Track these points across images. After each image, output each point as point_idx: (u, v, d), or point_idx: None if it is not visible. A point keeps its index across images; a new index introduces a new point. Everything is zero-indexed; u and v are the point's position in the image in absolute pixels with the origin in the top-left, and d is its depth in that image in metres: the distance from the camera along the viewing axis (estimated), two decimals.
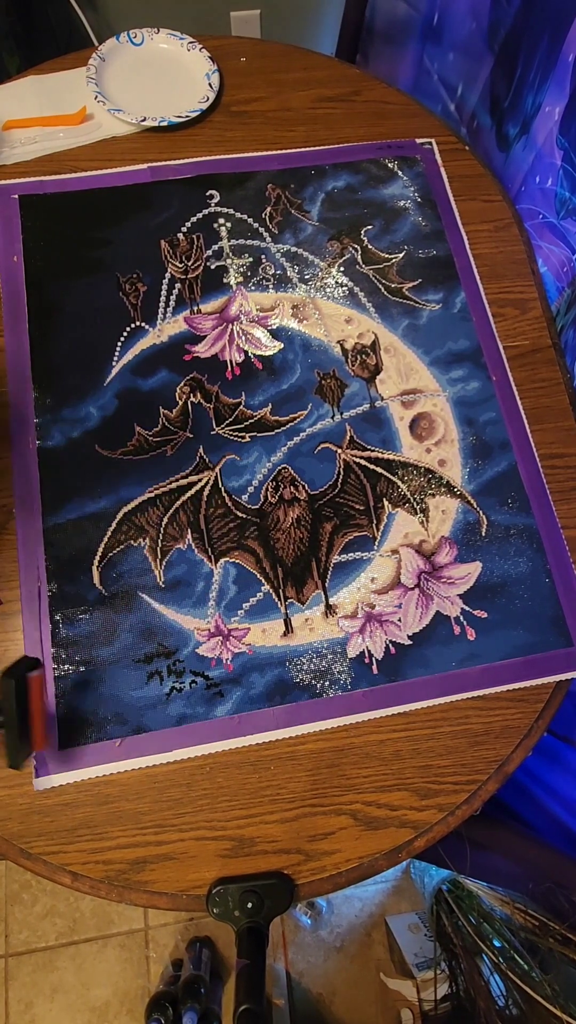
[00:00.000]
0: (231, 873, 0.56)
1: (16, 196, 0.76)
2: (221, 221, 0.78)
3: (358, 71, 0.89)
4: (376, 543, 0.66)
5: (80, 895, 1.24)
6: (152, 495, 0.66)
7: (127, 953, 1.22)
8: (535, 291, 0.77)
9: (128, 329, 0.72)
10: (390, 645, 0.63)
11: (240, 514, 0.66)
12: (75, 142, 0.80)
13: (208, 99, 0.82)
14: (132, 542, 0.65)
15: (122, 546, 0.64)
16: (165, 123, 0.80)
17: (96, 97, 0.79)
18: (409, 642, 0.63)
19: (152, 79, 0.84)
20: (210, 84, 0.83)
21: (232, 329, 0.73)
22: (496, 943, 1.04)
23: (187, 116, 0.81)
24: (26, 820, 0.56)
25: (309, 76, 0.87)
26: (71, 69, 0.83)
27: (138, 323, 0.73)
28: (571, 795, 0.84)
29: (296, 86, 0.86)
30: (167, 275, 0.75)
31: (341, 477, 0.68)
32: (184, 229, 0.77)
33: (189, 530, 0.65)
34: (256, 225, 0.78)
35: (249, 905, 0.52)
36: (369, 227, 0.79)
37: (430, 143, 0.83)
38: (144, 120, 0.79)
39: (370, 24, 1.19)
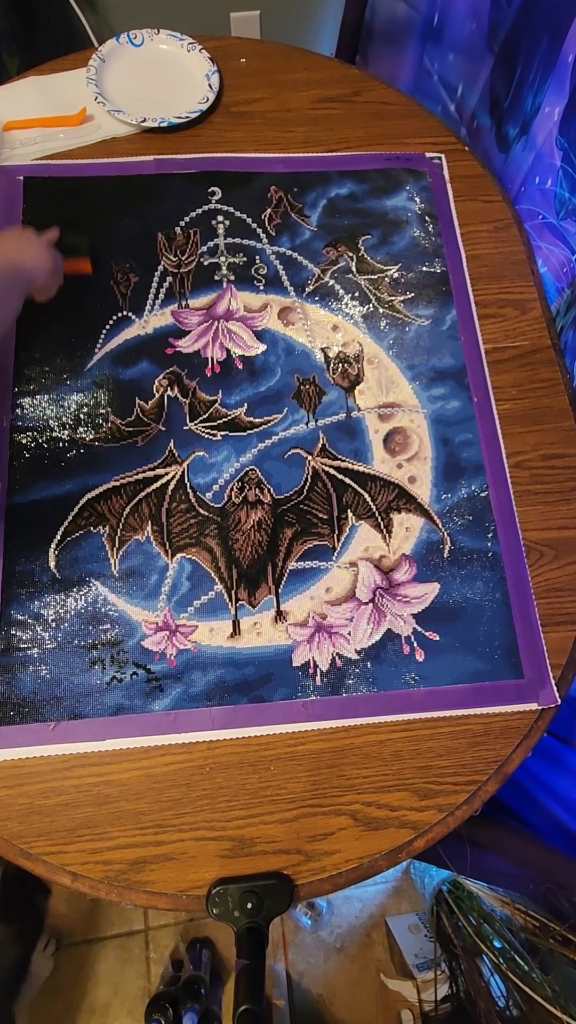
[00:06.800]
0: (231, 873, 0.56)
1: (21, 177, 0.77)
2: (220, 218, 0.78)
3: (358, 72, 0.89)
4: (335, 554, 0.66)
5: (80, 896, 1.24)
6: (117, 484, 0.66)
7: (127, 954, 1.22)
8: (535, 291, 0.77)
9: (115, 318, 0.73)
10: (336, 658, 0.63)
11: (202, 511, 0.66)
12: (75, 143, 0.80)
13: (208, 100, 0.82)
14: (92, 528, 0.65)
15: (81, 531, 0.64)
16: (165, 124, 0.80)
17: (96, 98, 0.79)
18: (356, 656, 0.63)
19: (152, 80, 0.84)
20: (210, 85, 0.83)
21: (217, 326, 0.73)
22: (496, 944, 1.04)
23: (187, 117, 0.81)
24: (26, 820, 0.56)
25: (309, 77, 0.87)
26: (71, 70, 0.83)
27: (125, 312, 0.73)
28: (571, 796, 0.84)
29: (296, 87, 0.86)
30: (160, 268, 0.75)
31: (308, 484, 0.68)
32: (182, 224, 0.77)
33: (150, 522, 0.65)
34: (254, 225, 0.78)
35: (249, 905, 0.52)
36: (367, 237, 0.79)
37: (439, 158, 0.83)
38: (144, 121, 0.79)
39: (370, 25, 1.19)
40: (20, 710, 0.59)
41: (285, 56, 0.88)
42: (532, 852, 0.88)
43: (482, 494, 0.69)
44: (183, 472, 0.68)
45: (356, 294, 0.76)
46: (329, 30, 1.33)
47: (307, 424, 0.71)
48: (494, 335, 0.75)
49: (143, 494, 0.66)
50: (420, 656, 0.63)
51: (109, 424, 0.68)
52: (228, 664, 0.62)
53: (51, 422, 0.68)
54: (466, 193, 0.82)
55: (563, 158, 0.73)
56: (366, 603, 0.65)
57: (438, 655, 0.63)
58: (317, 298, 0.76)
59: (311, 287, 0.76)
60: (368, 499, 0.68)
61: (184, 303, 0.74)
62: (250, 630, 0.63)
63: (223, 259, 0.76)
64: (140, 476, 0.67)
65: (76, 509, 0.65)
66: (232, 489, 0.67)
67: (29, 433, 0.67)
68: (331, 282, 0.77)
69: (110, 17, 1.22)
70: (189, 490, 0.67)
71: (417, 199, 0.81)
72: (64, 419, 0.68)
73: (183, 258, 0.76)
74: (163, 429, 0.69)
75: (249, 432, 0.70)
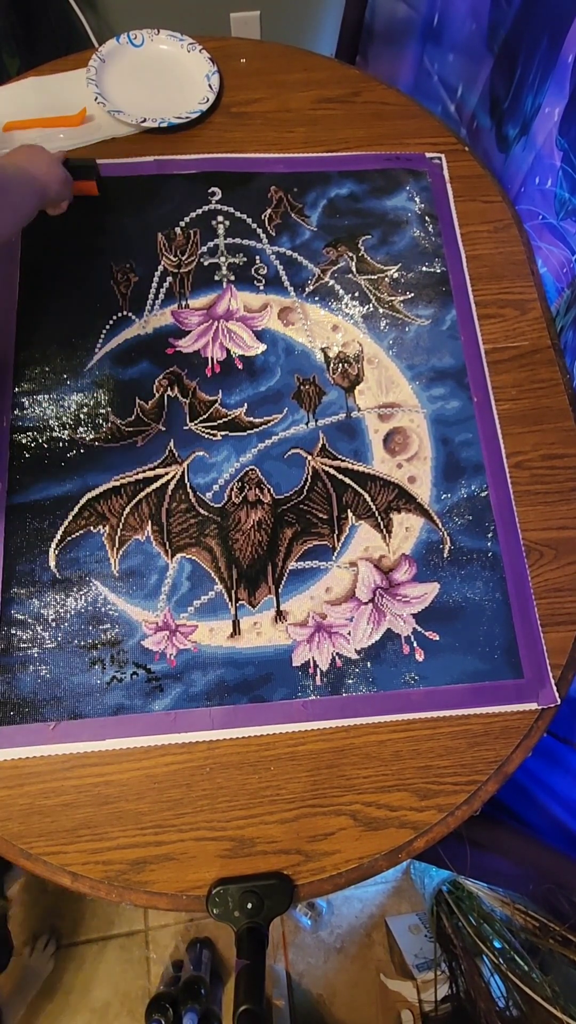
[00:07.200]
0: (231, 874, 0.56)
1: None
2: (220, 219, 0.78)
3: (358, 72, 0.89)
4: (335, 554, 0.66)
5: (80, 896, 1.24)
6: (117, 484, 0.66)
7: (127, 954, 1.22)
8: (535, 292, 0.77)
9: (115, 318, 0.73)
10: (336, 657, 0.63)
11: (202, 511, 0.66)
12: (75, 143, 0.80)
13: (208, 100, 0.82)
14: (92, 528, 0.65)
15: (81, 531, 0.65)
16: (165, 124, 0.80)
17: (96, 98, 0.79)
18: (356, 656, 0.63)
19: (152, 80, 0.84)
20: (210, 85, 0.83)
21: (217, 326, 0.73)
22: (496, 944, 1.04)
23: (187, 117, 0.81)
24: (26, 820, 0.56)
25: (309, 77, 0.87)
26: (71, 70, 0.83)
27: (125, 312, 0.73)
28: (571, 796, 0.84)
29: (296, 87, 0.86)
30: (160, 268, 0.75)
31: (308, 484, 0.68)
32: (182, 224, 0.78)
33: (150, 522, 0.66)
34: (254, 226, 0.78)
35: (249, 906, 0.52)
36: (367, 237, 0.79)
37: (439, 158, 0.83)
38: (144, 121, 0.79)
39: (370, 25, 1.19)
40: (20, 710, 0.59)
41: (285, 56, 0.88)
42: (532, 852, 0.88)
43: (482, 494, 0.69)
44: (183, 472, 0.68)
45: (356, 294, 0.76)
46: (329, 30, 1.33)
47: (307, 424, 0.71)
48: (494, 335, 0.75)
49: (143, 494, 0.66)
50: (420, 656, 0.63)
51: (109, 424, 0.68)
52: (228, 664, 0.62)
53: (51, 422, 0.68)
54: (466, 193, 0.82)
55: (563, 158, 0.73)
56: (366, 603, 0.65)
57: (438, 655, 0.63)
58: (317, 298, 0.76)
59: (311, 287, 0.76)
60: (368, 499, 0.68)
61: (184, 303, 0.74)
62: (250, 630, 0.63)
63: (223, 259, 0.76)
64: (140, 476, 0.67)
65: (76, 509, 0.65)
66: (232, 489, 0.67)
67: (29, 433, 0.67)
68: (331, 282, 0.77)
69: (110, 17, 1.22)
70: (189, 490, 0.67)
71: (417, 199, 0.81)
72: (64, 419, 0.68)
73: (183, 258, 0.76)
74: (163, 429, 0.69)
75: (249, 432, 0.70)
